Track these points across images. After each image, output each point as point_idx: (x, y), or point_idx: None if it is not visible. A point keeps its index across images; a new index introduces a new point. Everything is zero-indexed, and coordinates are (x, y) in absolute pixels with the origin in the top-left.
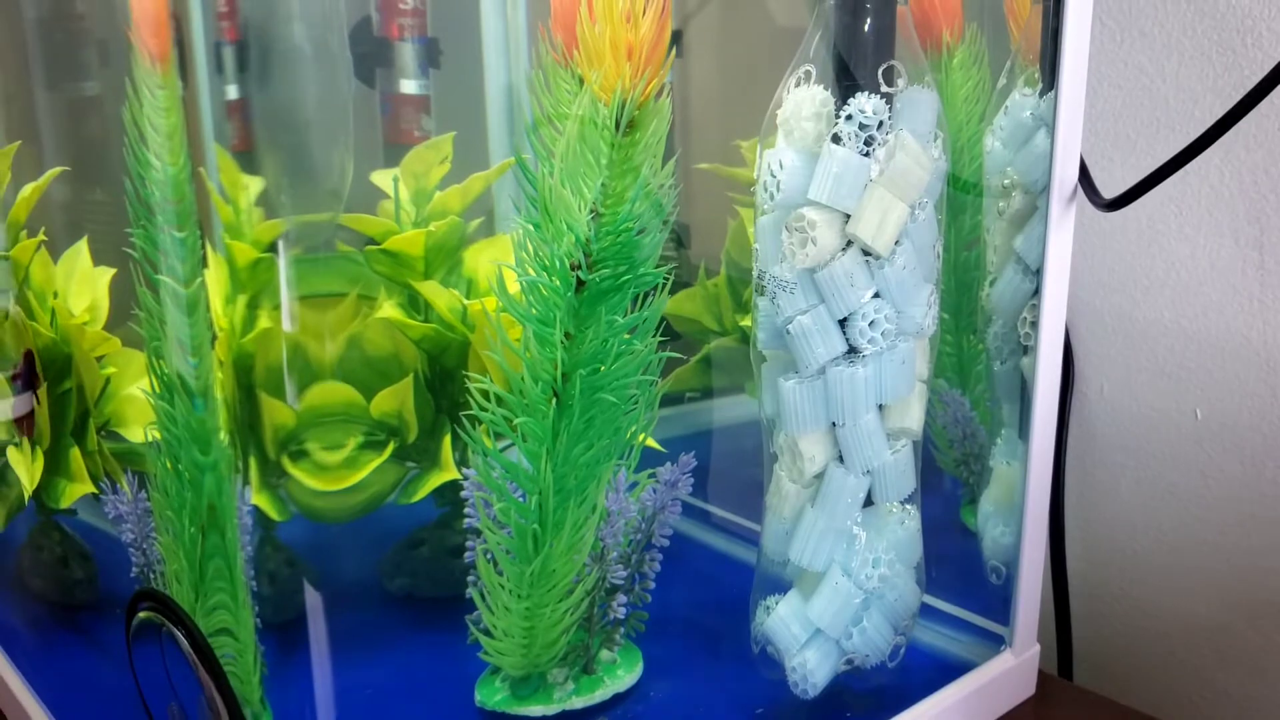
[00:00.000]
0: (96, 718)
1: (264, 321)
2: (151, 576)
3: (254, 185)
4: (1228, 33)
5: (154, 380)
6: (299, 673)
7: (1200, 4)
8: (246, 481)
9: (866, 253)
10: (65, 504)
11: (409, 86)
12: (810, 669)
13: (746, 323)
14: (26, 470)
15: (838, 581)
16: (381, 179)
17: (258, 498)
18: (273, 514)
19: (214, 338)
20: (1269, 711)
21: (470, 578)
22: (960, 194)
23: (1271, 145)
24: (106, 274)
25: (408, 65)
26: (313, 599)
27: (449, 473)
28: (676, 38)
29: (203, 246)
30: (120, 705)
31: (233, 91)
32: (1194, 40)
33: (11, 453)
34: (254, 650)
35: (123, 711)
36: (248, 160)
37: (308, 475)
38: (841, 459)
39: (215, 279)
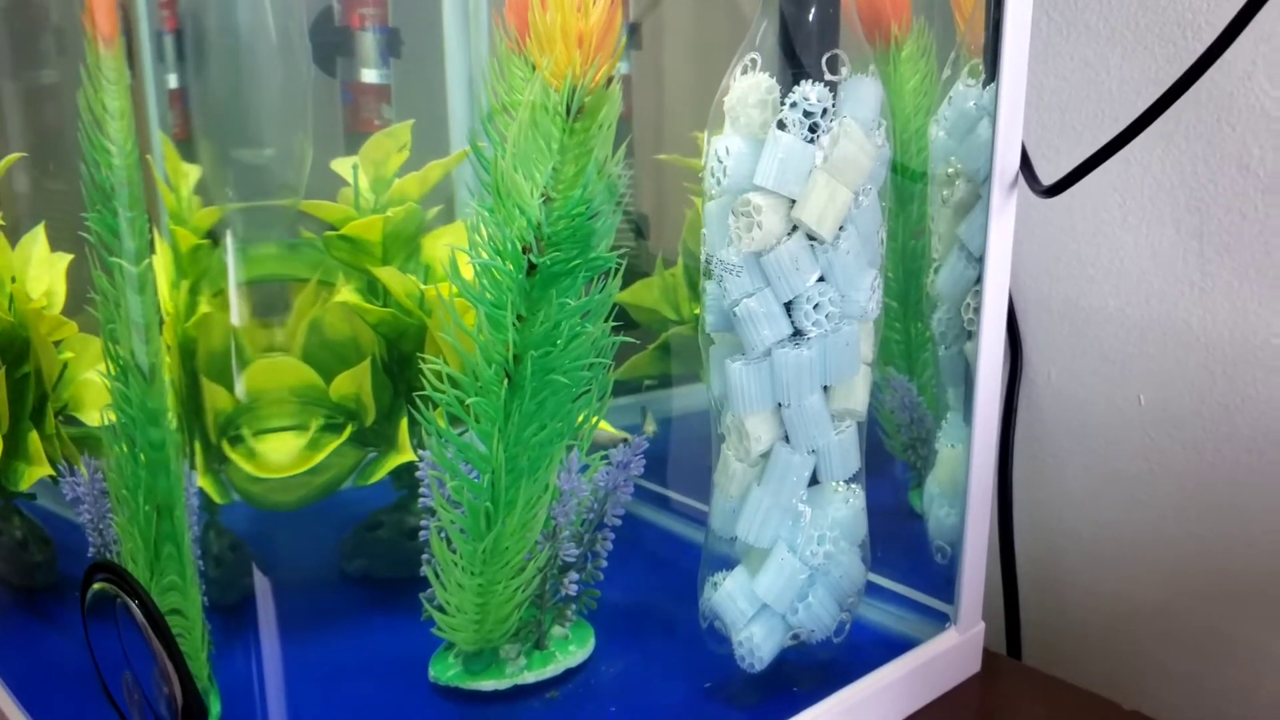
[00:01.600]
0: (56, 696)
1: (203, 307)
2: (108, 557)
3: (193, 173)
4: (1169, 26)
5: (109, 362)
6: (247, 652)
7: None
8: (193, 465)
9: (811, 237)
10: (24, 486)
11: (370, 76)
12: (756, 643)
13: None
14: None
15: (783, 558)
16: (341, 167)
17: (202, 480)
18: (215, 497)
19: (162, 321)
20: (1211, 690)
21: (424, 555)
22: (908, 183)
23: (1210, 136)
24: (64, 259)
25: (369, 55)
26: (260, 580)
27: (406, 455)
28: (634, 30)
29: (150, 231)
30: (79, 683)
31: (173, 80)
32: (1136, 33)
33: None
34: (201, 629)
35: (82, 690)
36: (187, 148)
37: (244, 460)
38: (787, 439)
39: (161, 264)
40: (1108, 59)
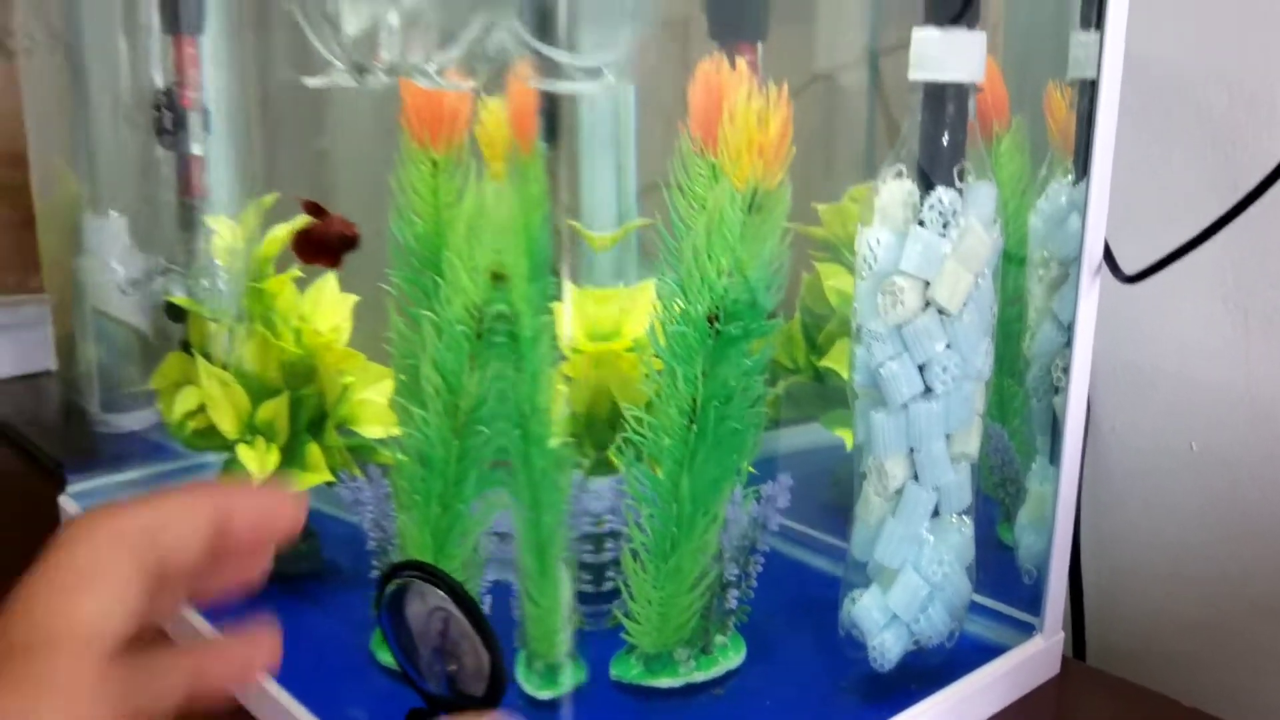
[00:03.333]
0: (321, 676)
1: None
2: (389, 549)
3: None
4: (1220, 137)
5: (403, 389)
6: None
7: (1198, 112)
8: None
9: (941, 312)
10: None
11: None
12: (887, 647)
13: (819, 362)
14: (258, 463)
15: (911, 576)
16: None
17: None
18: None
19: (560, 359)
20: (1253, 699)
21: (612, 574)
22: (1004, 260)
23: (1256, 226)
24: (350, 300)
25: None
26: None
27: None
28: None
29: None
30: (343, 663)
31: None
32: (1195, 140)
33: (242, 449)
34: (559, 612)
35: (346, 668)
36: None
37: None
38: (916, 477)
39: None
40: (1170, 159)
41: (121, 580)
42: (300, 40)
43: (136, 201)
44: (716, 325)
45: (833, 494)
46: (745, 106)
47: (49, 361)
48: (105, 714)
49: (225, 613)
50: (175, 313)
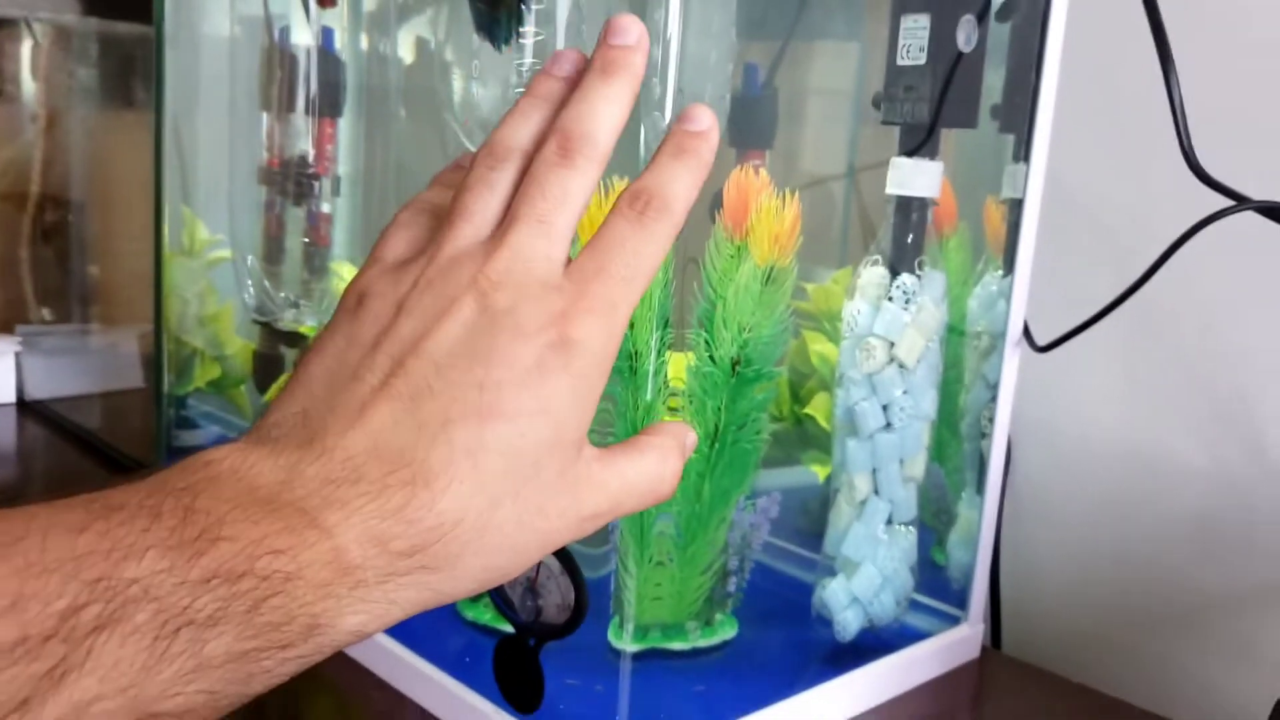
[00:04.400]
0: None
1: None
2: None
3: None
4: (1112, 245)
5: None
6: None
7: (1097, 223)
8: None
9: (902, 365)
10: None
11: None
12: (848, 622)
13: (801, 411)
14: None
15: (869, 569)
16: None
17: None
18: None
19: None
20: (1126, 684)
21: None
22: (949, 332)
23: (1140, 313)
24: None
25: None
26: None
27: None
28: None
29: None
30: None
31: None
32: (1095, 247)
33: None
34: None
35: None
36: None
37: None
38: (877, 491)
39: None
40: (1075, 258)
41: None
42: (413, 124)
43: (268, 248)
44: (738, 369)
45: (803, 521)
46: (769, 204)
47: (100, 384)
48: None
49: None
50: (292, 339)
